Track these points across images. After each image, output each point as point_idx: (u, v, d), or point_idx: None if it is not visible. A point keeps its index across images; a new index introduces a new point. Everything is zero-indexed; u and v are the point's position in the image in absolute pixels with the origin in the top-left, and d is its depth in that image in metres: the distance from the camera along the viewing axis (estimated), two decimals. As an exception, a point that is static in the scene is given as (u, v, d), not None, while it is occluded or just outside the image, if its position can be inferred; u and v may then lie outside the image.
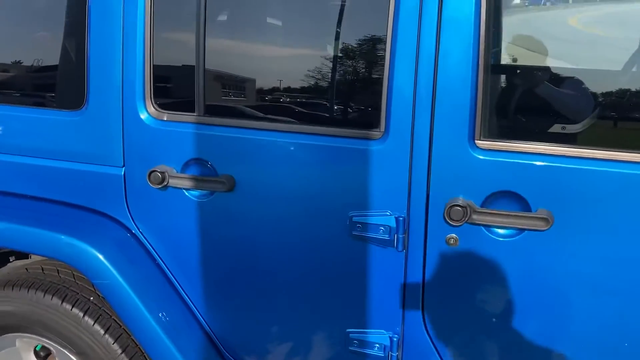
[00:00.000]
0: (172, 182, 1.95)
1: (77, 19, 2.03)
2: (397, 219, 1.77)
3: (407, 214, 1.77)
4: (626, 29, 1.73)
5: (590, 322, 1.68)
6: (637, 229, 1.58)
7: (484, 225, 1.70)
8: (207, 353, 2.10)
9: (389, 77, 1.72)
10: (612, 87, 1.75)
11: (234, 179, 1.91)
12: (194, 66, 1.91)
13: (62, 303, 2.10)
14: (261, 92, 1.94)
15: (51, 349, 2.21)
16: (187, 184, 1.95)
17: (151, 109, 1.97)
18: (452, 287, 1.79)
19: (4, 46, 2.28)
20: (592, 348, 1.70)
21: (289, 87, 1.92)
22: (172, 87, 2.04)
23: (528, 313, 1.73)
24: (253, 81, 1.94)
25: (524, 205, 1.66)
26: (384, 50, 1.72)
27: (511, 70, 1.80)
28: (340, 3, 1.87)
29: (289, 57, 1.87)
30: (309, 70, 1.87)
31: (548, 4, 1.95)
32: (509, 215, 1.66)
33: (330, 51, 1.86)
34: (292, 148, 1.84)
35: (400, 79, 1.70)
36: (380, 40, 1.73)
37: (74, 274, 2.22)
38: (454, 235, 1.73)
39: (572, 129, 1.74)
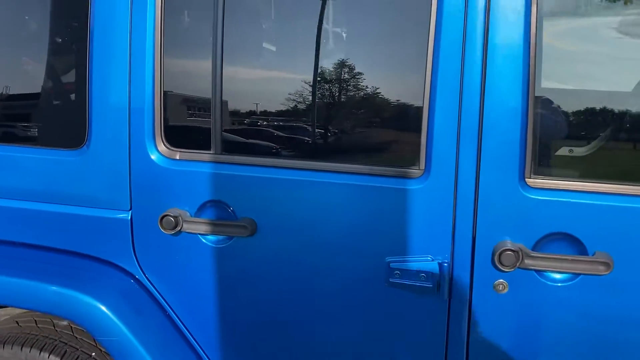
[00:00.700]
0: (187, 227, 1.78)
1: (77, 45, 1.85)
2: (440, 265, 1.63)
3: (451, 259, 1.63)
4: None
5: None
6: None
7: (537, 270, 1.57)
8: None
9: (429, 111, 1.59)
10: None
11: (255, 223, 1.74)
12: (209, 99, 1.74)
13: (61, 361, 1.90)
14: (286, 127, 1.79)
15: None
16: (203, 228, 1.78)
17: (162, 147, 1.79)
18: (501, 337, 1.65)
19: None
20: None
21: (318, 122, 1.77)
22: (185, 122, 1.86)
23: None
24: (276, 115, 1.78)
25: (580, 247, 1.53)
26: (423, 81, 1.58)
27: (564, 99, 1.69)
28: (376, 33, 1.73)
29: (318, 90, 1.72)
30: (340, 104, 1.73)
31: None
32: (564, 259, 1.54)
33: (362, 82, 1.71)
34: (321, 188, 1.69)
35: (442, 114, 1.57)
36: (419, 72, 1.59)
37: (71, 327, 2.01)
38: (502, 281, 1.60)
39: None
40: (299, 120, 1.79)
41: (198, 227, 1.78)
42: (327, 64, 1.72)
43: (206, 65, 1.74)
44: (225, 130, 1.77)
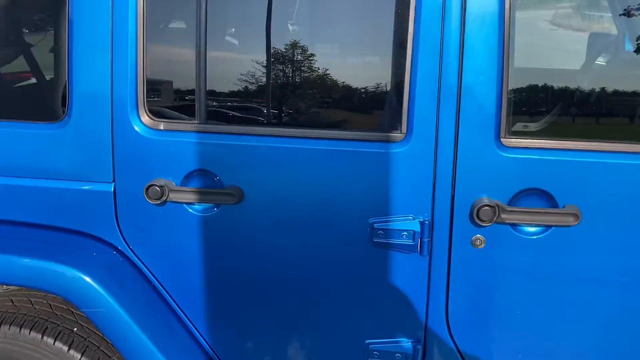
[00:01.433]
0: (173, 196, 1.79)
1: (56, 13, 1.82)
2: (421, 223, 1.72)
3: (432, 217, 1.72)
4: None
5: (622, 317, 1.70)
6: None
7: (511, 224, 1.68)
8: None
9: (410, 76, 1.67)
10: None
11: (242, 190, 1.78)
12: (193, 68, 1.76)
13: (42, 337, 1.88)
14: (271, 95, 1.83)
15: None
16: (190, 197, 1.80)
17: (145, 118, 1.80)
18: (479, 290, 1.75)
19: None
20: (621, 342, 1.72)
21: (302, 90, 1.82)
22: (169, 92, 1.87)
23: (563, 312, 1.72)
24: (262, 83, 1.82)
25: (551, 202, 1.65)
26: (405, 48, 1.66)
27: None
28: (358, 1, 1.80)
29: (301, 59, 1.77)
30: (322, 71, 1.78)
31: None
32: (537, 212, 1.65)
33: (345, 50, 1.78)
34: (307, 154, 1.75)
35: (423, 77, 1.65)
36: (402, 39, 1.67)
37: (50, 304, 1.99)
38: (480, 236, 1.70)
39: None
40: (283, 88, 1.84)
41: (185, 196, 1.80)
42: (310, 30, 1.77)
43: (190, 33, 1.75)
44: (209, 99, 1.80)
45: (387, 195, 1.73)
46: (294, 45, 1.76)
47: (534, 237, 1.69)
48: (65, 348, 1.88)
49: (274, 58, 1.77)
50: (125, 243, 1.89)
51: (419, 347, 1.83)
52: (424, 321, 1.81)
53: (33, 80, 2.01)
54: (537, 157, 1.65)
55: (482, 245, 1.70)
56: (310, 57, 1.76)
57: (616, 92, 1.75)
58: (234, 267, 1.86)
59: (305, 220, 1.79)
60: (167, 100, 1.86)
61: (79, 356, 1.89)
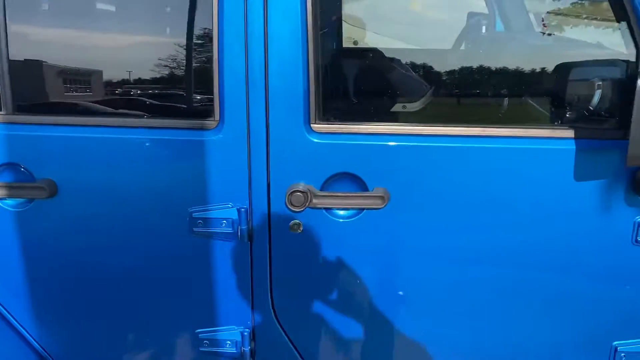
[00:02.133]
0: (-19, 192, 1.71)
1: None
2: (239, 211, 1.72)
3: (249, 205, 1.72)
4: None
5: (430, 290, 1.77)
6: (469, 198, 1.68)
7: (326, 209, 1.71)
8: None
9: (219, 63, 1.65)
10: (445, 65, 1.84)
11: (55, 184, 1.72)
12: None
13: None
14: (83, 83, 1.77)
15: None
16: (0, 192, 1.72)
17: None
18: (300, 274, 1.78)
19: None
20: (431, 313, 1.80)
21: (118, 78, 1.77)
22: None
23: (377, 291, 1.77)
24: (71, 71, 1.75)
25: (362, 185, 1.69)
26: (212, 36, 1.64)
27: (345, 51, 1.82)
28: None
29: (112, 45, 1.72)
30: (136, 60, 1.74)
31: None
32: (347, 196, 1.68)
33: (157, 39, 1.74)
34: (122, 144, 1.70)
35: (230, 65, 1.64)
36: (208, 27, 1.65)
37: None
38: (297, 221, 1.72)
39: (412, 107, 1.81)
40: (95, 77, 1.78)
41: (-5, 191, 1.72)
42: (117, 18, 1.72)
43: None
44: (15, 90, 1.72)
45: (204, 184, 1.71)
46: (105, 32, 1.71)
47: (349, 220, 1.72)
48: None
49: (85, 44, 1.71)
50: None
51: (246, 333, 1.84)
52: (250, 308, 1.82)
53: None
54: (347, 142, 1.67)
55: (300, 230, 1.72)
56: (123, 45, 1.71)
57: (427, 77, 1.80)
58: (53, 264, 1.80)
59: (125, 212, 1.75)
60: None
61: None
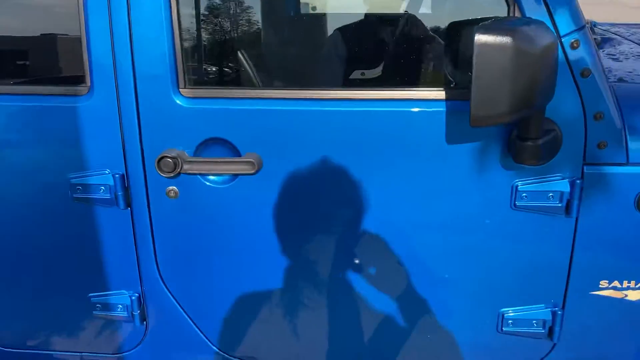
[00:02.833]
0: None
1: None
2: (114, 177, 1.72)
3: (125, 171, 1.72)
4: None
5: (306, 255, 1.76)
6: (341, 163, 1.65)
7: (200, 174, 1.70)
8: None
9: (85, 30, 1.63)
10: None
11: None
12: None
13: None
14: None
15: None
16: None
17: None
18: (180, 239, 1.78)
19: None
20: (307, 278, 1.79)
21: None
22: None
23: (254, 257, 1.77)
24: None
25: (234, 151, 1.67)
26: (76, 2, 1.62)
27: (207, 16, 1.78)
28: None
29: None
30: (6, 25, 1.73)
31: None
32: (218, 162, 1.67)
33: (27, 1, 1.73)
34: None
35: (96, 29, 1.62)
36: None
37: None
38: (173, 187, 1.72)
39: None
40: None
41: None
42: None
43: None
44: None
45: (81, 150, 1.72)
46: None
47: (224, 186, 1.71)
48: None
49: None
50: None
51: (134, 297, 1.87)
52: (137, 272, 1.84)
53: None
54: (216, 106, 1.65)
55: (177, 196, 1.72)
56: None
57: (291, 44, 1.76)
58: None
59: (7, 182, 1.77)
60: None
61: None
